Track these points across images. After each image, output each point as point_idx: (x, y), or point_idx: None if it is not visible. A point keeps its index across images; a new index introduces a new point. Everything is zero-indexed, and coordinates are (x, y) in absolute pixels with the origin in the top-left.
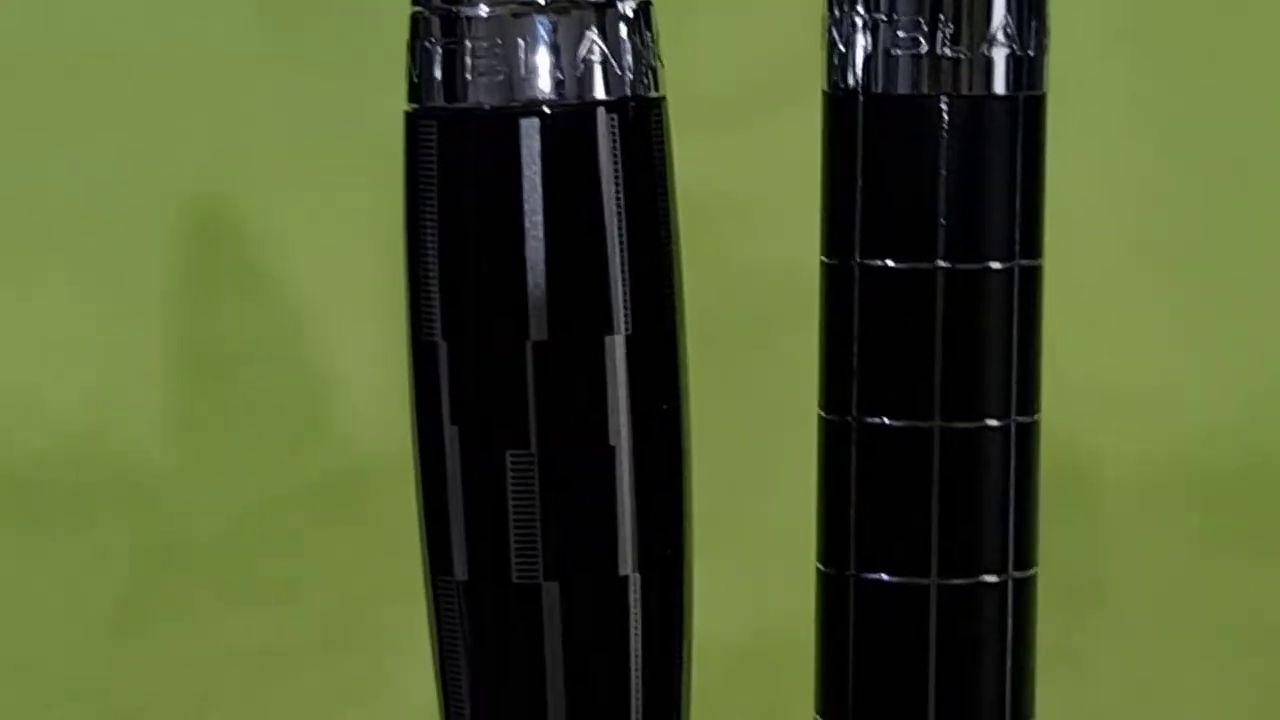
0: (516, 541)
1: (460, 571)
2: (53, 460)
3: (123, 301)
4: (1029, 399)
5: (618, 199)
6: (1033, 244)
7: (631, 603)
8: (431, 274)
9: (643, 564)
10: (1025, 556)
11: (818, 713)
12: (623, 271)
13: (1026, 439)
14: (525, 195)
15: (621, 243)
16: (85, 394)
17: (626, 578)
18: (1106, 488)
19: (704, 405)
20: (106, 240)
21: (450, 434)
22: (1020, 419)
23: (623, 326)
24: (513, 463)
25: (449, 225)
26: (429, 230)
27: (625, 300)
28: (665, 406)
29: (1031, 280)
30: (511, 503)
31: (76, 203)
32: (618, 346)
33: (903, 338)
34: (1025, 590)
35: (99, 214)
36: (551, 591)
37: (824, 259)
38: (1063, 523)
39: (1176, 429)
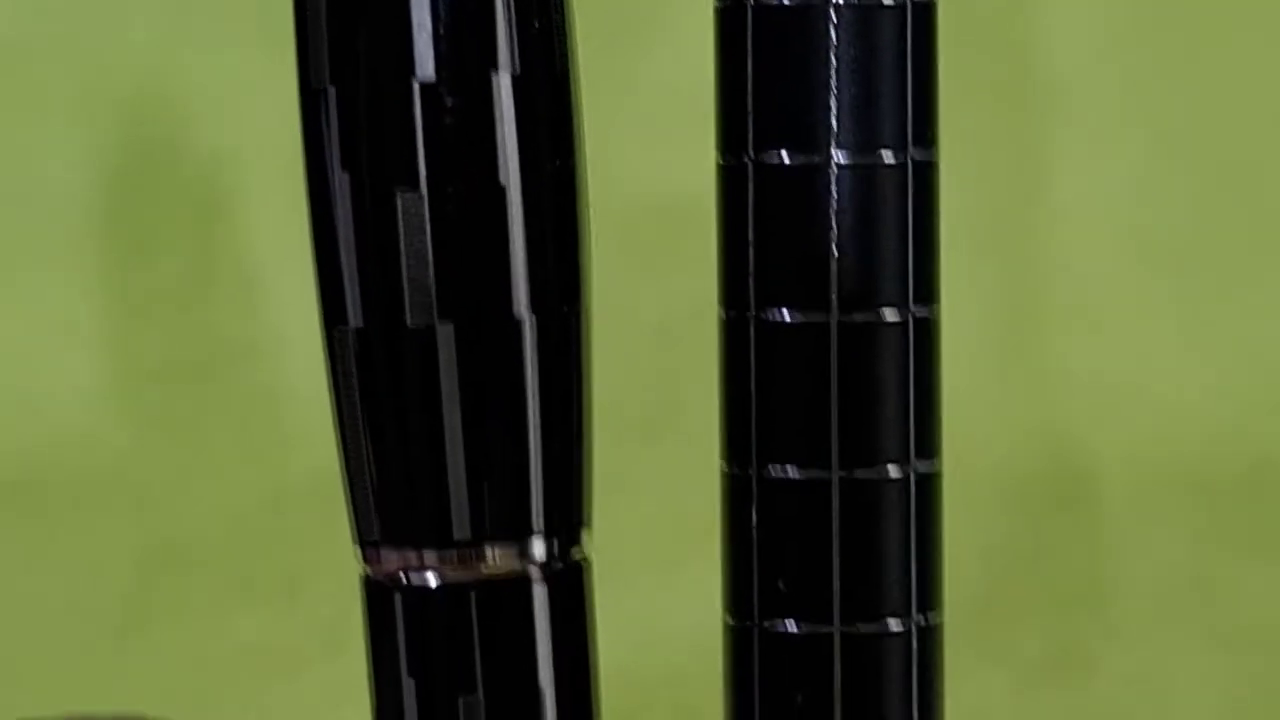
0: (410, 284)
1: (355, 318)
2: (53, 460)
3: (123, 301)
4: (927, 291)
5: None
6: (925, 140)
7: (527, 345)
8: (319, 19)
9: (536, 307)
10: (928, 445)
11: (725, 611)
12: (508, 8)
13: (925, 332)
14: None
15: None
16: (85, 394)
17: (521, 320)
18: (1106, 487)
19: None
20: (106, 240)
21: (340, 179)
22: (918, 312)
23: (509, 65)
24: (403, 204)
25: None
26: None
27: (512, 39)
28: (558, 161)
29: (926, 174)
30: (404, 245)
31: (75, 203)
32: (504, 85)
33: (798, 233)
34: (928, 485)
35: (98, 214)
36: (446, 333)
37: (720, 159)
38: (1062, 523)
39: (1176, 429)
